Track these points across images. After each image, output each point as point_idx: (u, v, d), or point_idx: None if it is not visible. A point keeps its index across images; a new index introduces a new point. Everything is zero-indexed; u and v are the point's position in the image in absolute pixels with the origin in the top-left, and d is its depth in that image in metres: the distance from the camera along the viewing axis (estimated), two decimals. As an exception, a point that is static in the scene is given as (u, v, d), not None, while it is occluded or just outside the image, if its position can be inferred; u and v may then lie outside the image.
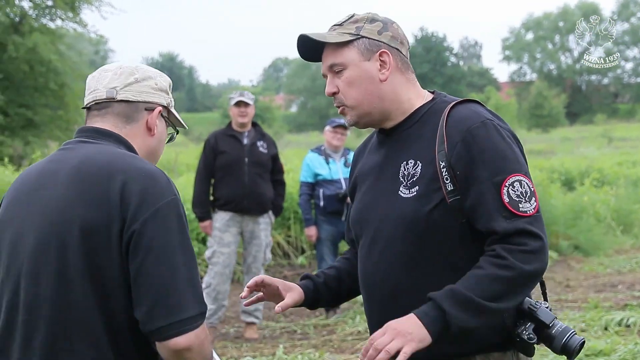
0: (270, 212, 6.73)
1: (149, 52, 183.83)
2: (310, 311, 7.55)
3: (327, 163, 7.19)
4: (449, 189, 2.05)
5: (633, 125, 45.79)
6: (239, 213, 6.53)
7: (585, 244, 9.96)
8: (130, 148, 2.02)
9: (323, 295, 2.38)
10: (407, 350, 1.94)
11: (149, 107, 2.06)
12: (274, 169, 6.70)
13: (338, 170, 7.20)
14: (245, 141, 6.58)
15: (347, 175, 7.10)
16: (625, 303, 7.05)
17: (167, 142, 2.20)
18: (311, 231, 7.16)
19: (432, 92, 2.30)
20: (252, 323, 6.69)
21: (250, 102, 6.54)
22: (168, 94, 2.12)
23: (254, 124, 6.76)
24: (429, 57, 71.32)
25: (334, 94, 2.24)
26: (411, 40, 79.72)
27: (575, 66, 74.22)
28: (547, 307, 2.08)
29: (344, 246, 7.63)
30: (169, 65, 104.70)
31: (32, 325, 1.85)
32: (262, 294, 2.32)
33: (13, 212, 1.95)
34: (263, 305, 6.81)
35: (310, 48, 2.26)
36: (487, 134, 2.06)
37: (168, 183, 1.90)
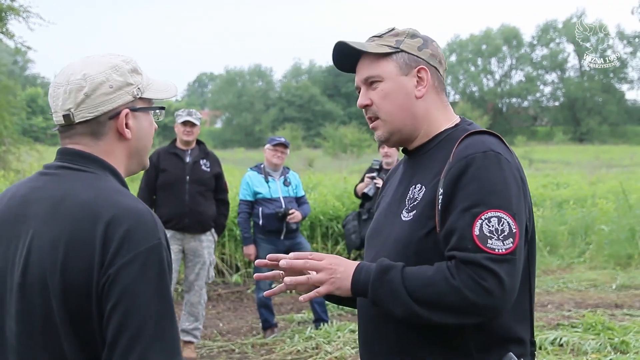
0: (213, 231, 6.68)
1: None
2: (248, 330, 7.51)
3: (267, 182, 7.16)
4: (440, 217, 1.98)
5: (551, 148, 47.20)
6: (179, 231, 6.48)
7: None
8: (115, 173, 1.88)
9: None
10: (321, 291, 1.98)
11: (113, 115, 1.85)
12: (217, 187, 6.66)
13: (277, 189, 7.17)
14: (187, 159, 6.53)
15: (287, 194, 7.16)
16: (557, 322, 7.23)
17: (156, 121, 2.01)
18: (250, 250, 7.12)
19: (460, 118, 2.23)
20: (190, 342, 6.61)
21: (197, 123, 6.51)
22: (130, 83, 1.87)
23: (199, 142, 6.71)
24: (354, 76, 71.89)
25: (366, 106, 2.17)
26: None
27: (497, 89, 76.16)
28: None
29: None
30: (59, 76, 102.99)
31: None
32: (278, 272, 2.16)
33: (1, 239, 1.81)
34: (202, 323, 6.74)
35: (346, 57, 2.20)
36: (484, 164, 1.95)
37: (154, 225, 1.74)
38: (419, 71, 2.13)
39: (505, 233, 1.90)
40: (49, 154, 17.69)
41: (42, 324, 1.71)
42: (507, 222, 1.91)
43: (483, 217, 1.90)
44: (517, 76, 78.37)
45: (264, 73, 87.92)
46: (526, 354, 2.09)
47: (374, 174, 7.80)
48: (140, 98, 1.90)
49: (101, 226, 1.68)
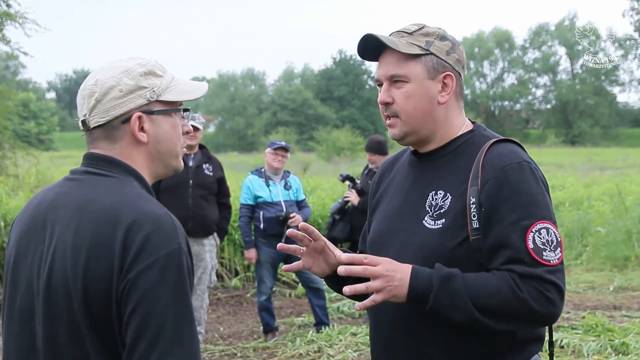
0: (215, 235, 6.69)
1: (63, 69, 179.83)
2: (249, 334, 7.52)
3: (268, 185, 7.17)
4: (474, 226, 1.99)
5: (544, 150, 47.27)
6: (183, 235, 6.45)
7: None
8: (138, 177, 1.87)
9: None
10: (377, 299, 1.94)
11: (125, 119, 1.84)
12: (219, 191, 6.67)
13: (278, 193, 7.19)
14: (190, 163, 6.54)
15: (287, 198, 7.18)
16: (557, 324, 7.25)
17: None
18: (251, 254, 7.13)
19: (473, 123, 2.24)
20: (192, 346, 6.59)
21: (200, 127, 6.51)
22: (143, 86, 1.86)
23: (201, 147, 6.72)
24: (347, 80, 72.18)
25: (387, 103, 2.15)
26: (329, 63, 79.67)
27: (489, 92, 76.30)
28: None
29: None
30: (83, 82, 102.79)
31: None
32: (301, 247, 2.23)
33: (27, 246, 1.83)
34: (204, 328, 6.75)
35: (372, 47, 2.16)
36: (522, 176, 2.00)
37: (174, 230, 1.74)
38: (445, 77, 2.14)
39: (554, 243, 1.97)
40: (43, 159, 17.69)
41: (67, 328, 1.73)
42: (553, 232, 1.98)
43: (534, 230, 1.95)
44: (510, 79, 78.64)
45: (257, 77, 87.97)
46: (542, 350, 2.14)
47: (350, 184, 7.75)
48: (159, 101, 1.89)
49: (121, 231, 1.69)
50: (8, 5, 13.43)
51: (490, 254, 1.98)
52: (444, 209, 2.06)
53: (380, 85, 2.18)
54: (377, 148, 7.63)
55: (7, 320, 1.86)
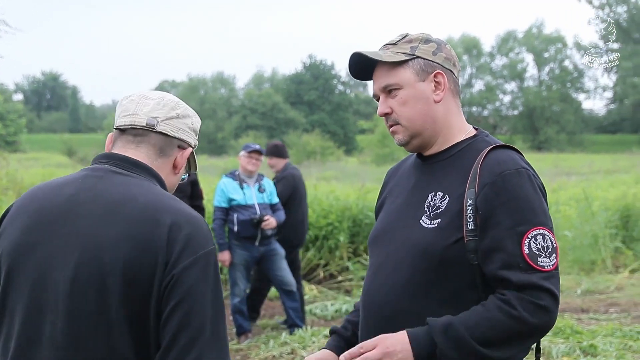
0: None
1: (31, 70, 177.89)
2: (222, 336, 7.51)
3: (242, 188, 7.20)
4: (469, 227, 2.03)
5: (512, 156, 47.63)
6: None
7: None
8: (162, 183, 1.96)
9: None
10: None
11: (182, 145, 2.02)
12: (192, 194, 6.70)
13: (252, 196, 7.22)
14: (165, 165, 6.55)
15: (261, 201, 7.21)
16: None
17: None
18: (224, 256, 7.14)
19: (476, 129, 2.29)
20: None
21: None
22: (197, 135, 2.08)
23: (175, 149, 6.74)
24: (317, 84, 72.20)
25: (386, 114, 2.21)
26: (299, 67, 79.69)
27: (461, 97, 76.81)
28: None
29: (256, 271, 7.64)
30: (51, 84, 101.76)
31: None
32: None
33: (37, 237, 1.83)
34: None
35: (362, 66, 2.23)
36: (520, 182, 2.04)
37: (208, 232, 1.86)
38: (435, 76, 2.19)
39: (550, 249, 2.01)
40: (11, 161, 17.47)
41: (93, 322, 1.76)
42: (549, 238, 2.03)
43: (529, 236, 2.00)
44: (478, 85, 79.24)
45: (227, 80, 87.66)
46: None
47: None
48: (193, 148, 2.09)
49: (164, 229, 1.77)
50: (-23, 6, 13.29)
51: (485, 257, 2.03)
52: (440, 210, 2.11)
53: (379, 99, 2.24)
54: (275, 151, 7.81)
55: (9, 312, 1.85)
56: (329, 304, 8.50)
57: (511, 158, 2.10)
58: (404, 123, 2.20)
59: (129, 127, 1.97)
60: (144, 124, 1.95)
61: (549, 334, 6.87)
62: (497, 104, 78.05)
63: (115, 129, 2.01)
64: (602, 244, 11.05)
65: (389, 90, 2.20)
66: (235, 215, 7.11)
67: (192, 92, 79.82)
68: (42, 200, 1.89)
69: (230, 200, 7.16)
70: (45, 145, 58.13)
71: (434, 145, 2.24)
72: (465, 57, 77.89)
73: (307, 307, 8.35)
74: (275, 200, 7.46)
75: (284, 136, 51.69)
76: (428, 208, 2.15)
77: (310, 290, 9.32)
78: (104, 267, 1.75)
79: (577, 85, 75.67)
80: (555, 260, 2.02)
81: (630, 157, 38.56)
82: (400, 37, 2.24)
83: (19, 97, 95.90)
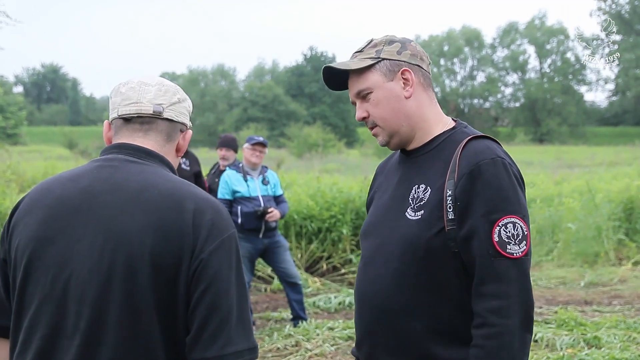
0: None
1: (31, 62, 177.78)
2: (226, 329, 7.51)
3: (246, 180, 7.19)
4: (450, 217, 2.12)
5: (513, 148, 47.63)
6: (160, 230, 6.46)
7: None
8: (173, 170, 2.00)
9: None
10: None
11: (182, 129, 2.07)
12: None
13: (256, 188, 7.21)
14: (168, 158, 6.54)
15: (265, 193, 7.20)
16: (531, 319, 7.36)
17: None
18: (228, 248, 7.11)
19: (455, 121, 2.36)
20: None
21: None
22: (190, 114, 2.14)
23: (178, 141, 6.73)
24: (318, 77, 72.04)
25: (364, 118, 2.30)
26: (300, 59, 79.45)
27: (459, 89, 76.78)
28: None
29: (261, 263, 7.64)
30: (51, 77, 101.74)
31: (91, 352, 1.79)
32: None
33: (56, 230, 1.84)
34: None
35: (336, 78, 2.33)
36: (495, 172, 2.11)
37: (229, 216, 1.92)
38: (402, 73, 2.27)
39: (520, 237, 2.10)
40: (12, 154, 17.46)
41: (121, 310, 1.78)
42: (520, 225, 2.11)
43: (500, 224, 2.08)
44: (479, 77, 79.19)
45: (227, 73, 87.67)
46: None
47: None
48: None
49: (189, 214, 1.82)
50: (-23, -3, 13.28)
51: (463, 245, 2.12)
52: (423, 201, 2.20)
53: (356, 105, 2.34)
54: (229, 143, 7.84)
55: (28, 303, 1.86)
56: (332, 297, 8.49)
57: (488, 147, 2.18)
58: (380, 124, 2.29)
59: (135, 115, 1.98)
60: (151, 112, 1.99)
61: (552, 326, 6.89)
62: (499, 96, 78.06)
63: (119, 117, 2.02)
64: (606, 236, 11.05)
65: (362, 96, 2.29)
66: (239, 208, 7.10)
67: (193, 84, 79.86)
68: (59, 192, 1.90)
69: (234, 192, 7.15)
70: (46, 137, 58.14)
71: (414, 140, 2.32)
72: (466, 49, 77.80)
73: (310, 300, 8.35)
74: (280, 192, 7.45)
75: (285, 128, 51.67)
76: (412, 200, 2.23)
77: (313, 282, 9.32)
78: (131, 255, 1.78)
79: (579, 77, 75.66)
80: (525, 247, 2.10)
81: (632, 149, 38.55)
82: (366, 44, 2.33)
83: (19, 89, 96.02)
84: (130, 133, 1.99)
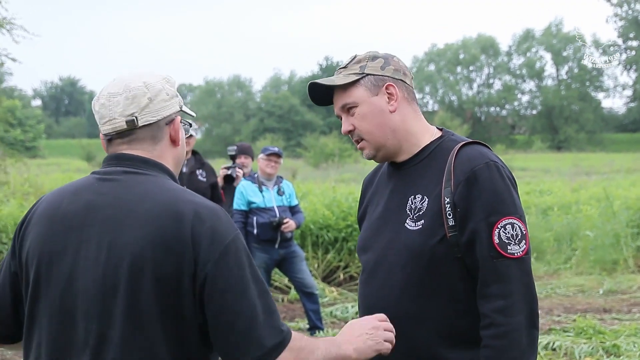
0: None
1: (49, 76, 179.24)
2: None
3: (261, 191, 7.21)
4: (450, 224, 2.18)
5: (530, 156, 47.48)
6: (176, 241, 6.48)
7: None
8: (172, 175, 1.99)
9: None
10: None
11: (169, 121, 2.00)
12: (213, 197, 6.70)
13: (272, 198, 7.23)
14: (184, 169, 6.58)
15: (281, 203, 7.22)
16: (549, 327, 7.33)
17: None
18: (244, 259, 7.12)
19: (440, 130, 2.41)
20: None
21: (194, 134, 6.58)
22: (177, 94, 2.04)
23: (194, 152, 6.77)
24: (334, 87, 72.20)
25: (349, 132, 2.35)
26: (316, 69, 79.40)
27: (475, 98, 76.56)
28: None
29: (277, 273, 7.64)
30: (69, 90, 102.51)
31: None
32: None
33: (61, 245, 1.86)
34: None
35: (321, 93, 2.38)
36: (490, 175, 2.18)
37: (228, 219, 1.90)
38: (387, 88, 2.32)
39: (519, 237, 2.17)
40: (31, 167, 17.61)
41: (127, 324, 1.78)
42: (519, 226, 2.18)
43: (499, 226, 2.15)
44: (495, 85, 78.91)
45: (244, 84, 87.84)
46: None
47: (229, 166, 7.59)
48: (181, 109, 2.04)
49: (187, 224, 1.80)
50: (-5, 12, 13.40)
51: (466, 248, 2.18)
52: (422, 211, 2.25)
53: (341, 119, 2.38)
54: (246, 150, 7.95)
55: (39, 320, 1.88)
56: (349, 306, 8.49)
57: (480, 153, 2.24)
58: (366, 137, 2.33)
59: (113, 133, 1.97)
60: (125, 127, 1.94)
61: (570, 334, 6.85)
62: (516, 103, 77.72)
63: (103, 135, 2.01)
64: (624, 244, 10.96)
65: (348, 109, 2.33)
66: (254, 218, 7.12)
67: (209, 95, 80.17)
68: (64, 207, 1.91)
69: (250, 203, 7.17)
70: (64, 150, 58.46)
71: (402, 153, 2.36)
72: (482, 57, 77.60)
73: (327, 310, 8.34)
74: (295, 202, 7.47)
75: (302, 138, 51.70)
76: (410, 211, 2.28)
77: (330, 292, 9.31)
78: (133, 268, 1.78)
79: (596, 84, 75.23)
80: (525, 246, 2.17)
81: (651, 155, 38.16)
82: (350, 60, 2.38)
83: (37, 102, 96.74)
84: (116, 148, 1.98)
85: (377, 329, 2.05)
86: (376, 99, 2.31)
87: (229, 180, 7.40)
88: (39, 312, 1.88)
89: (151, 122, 1.95)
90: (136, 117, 1.93)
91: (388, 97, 2.32)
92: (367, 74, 2.32)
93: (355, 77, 2.31)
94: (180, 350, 1.82)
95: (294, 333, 1.89)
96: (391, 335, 2.07)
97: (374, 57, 2.35)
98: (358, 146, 2.37)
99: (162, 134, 1.98)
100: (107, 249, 1.81)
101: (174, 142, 2.01)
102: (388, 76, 2.33)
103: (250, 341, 1.79)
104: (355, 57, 2.38)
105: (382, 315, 2.11)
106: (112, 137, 1.98)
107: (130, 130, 1.95)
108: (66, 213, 1.89)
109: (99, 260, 1.81)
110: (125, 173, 1.92)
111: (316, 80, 2.34)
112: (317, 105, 2.47)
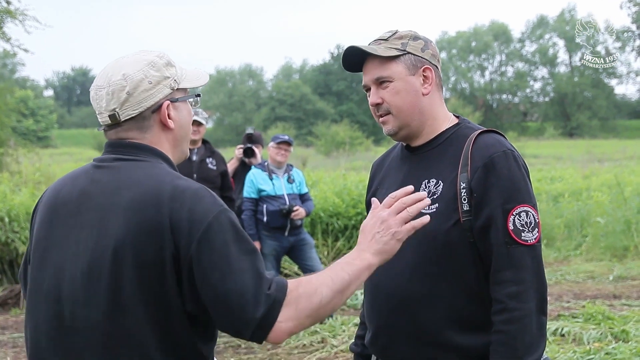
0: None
1: (61, 66, 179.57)
2: (253, 326, 7.57)
3: (271, 179, 7.24)
4: (465, 209, 2.21)
5: (542, 143, 47.30)
6: (186, 229, 6.53)
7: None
8: (166, 159, 1.98)
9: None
10: None
11: (155, 108, 1.96)
12: (223, 185, 6.75)
13: (282, 186, 7.27)
14: (194, 158, 6.62)
15: (291, 191, 7.26)
16: (558, 313, 7.34)
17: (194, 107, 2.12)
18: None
19: (457, 117, 2.44)
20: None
21: (204, 122, 6.61)
22: (166, 76, 1.98)
23: (204, 141, 6.81)
24: (345, 75, 72.09)
25: (377, 104, 2.35)
26: (327, 58, 79.01)
27: (487, 85, 76.23)
28: None
29: (287, 261, 7.68)
30: (81, 80, 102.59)
31: (81, 350, 1.84)
32: None
33: (59, 233, 1.91)
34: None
35: (355, 59, 2.38)
36: (507, 164, 2.22)
37: (212, 197, 1.86)
38: (424, 70, 2.35)
39: (532, 224, 2.21)
40: (43, 156, 17.73)
41: (109, 308, 1.81)
42: (532, 214, 2.22)
43: (514, 213, 2.19)
44: (508, 72, 78.55)
45: (255, 72, 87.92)
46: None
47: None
48: (177, 89, 2.01)
49: (166, 209, 1.80)
50: (8, 2, 13.46)
51: (480, 234, 2.21)
52: (437, 195, 2.27)
53: (368, 90, 2.39)
54: (258, 140, 7.97)
55: (34, 302, 1.94)
56: (358, 293, 8.51)
57: (497, 141, 2.28)
58: (394, 112, 2.34)
59: (104, 126, 1.99)
60: (110, 122, 1.96)
61: (579, 320, 6.86)
62: (528, 90, 77.41)
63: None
64: (635, 230, 10.93)
65: (380, 82, 2.34)
66: (264, 206, 7.15)
67: (220, 84, 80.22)
68: (62, 195, 1.96)
69: (260, 191, 7.21)
70: (76, 140, 58.76)
71: (420, 136, 2.39)
72: (495, 44, 77.21)
73: (337, 297, 8.36)
74: (305, 190, 7.50)
75: (312, 127, 51.73)
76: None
77: (340, 279, 9.34)
78: (116, 255, 1.80)
79: (609, 70, 74.72)
80: (537, 234, 2.21)
81: (664, 142, 37.94)
82: (391, 34, 2.38)
83: (49, 93, 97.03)
84: (110, 136, 2.00)
85: (386, 220, 1.99)
86: (412, 78, 2.33)
87: (249, 153, 7.43)
88: (35, 296, 1.94)
89: (133, 115, 1.94)
90: (117, 113, 1.93)
91: (423, 80, 2.34)
92: (408, 52, 2.34)
93: (396, 52, 2.32)
94: (166, 337, 1.82)
95: (289, 285, 1.83)
96: (405, 215, 2.00)
97: (415, 37, 2.37)
98: (381, 120, 2.38)
99: (149, 123, 1.96)
100: (97, 235, 1.84)
101: (165, 126, 1.98)
102: (427, 59, 2.36)
103: (245, 318, 1.76)
104: (396, 32, 2.39)
105: (386, 201, 2.04)
106: (104, 129, 2.01)
107: (116, 123, 1.96)
108: (64, 200, 1.94)
109: (88, 246, 1.84)
110: (117, 160, 1.94)
111: (357, 45, 2.33)
112: (345, 69, 2.46)
